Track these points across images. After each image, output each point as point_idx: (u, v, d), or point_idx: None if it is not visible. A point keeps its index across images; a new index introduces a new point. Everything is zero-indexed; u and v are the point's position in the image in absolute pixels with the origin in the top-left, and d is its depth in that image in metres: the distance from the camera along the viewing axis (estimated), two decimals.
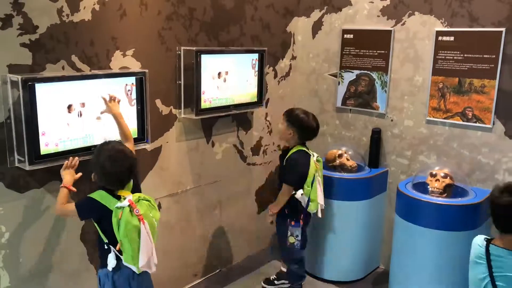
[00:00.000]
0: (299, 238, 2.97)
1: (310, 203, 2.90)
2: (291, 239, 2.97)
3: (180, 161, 3.05)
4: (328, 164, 3.40)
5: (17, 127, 2.12)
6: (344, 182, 3.26)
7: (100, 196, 2.10)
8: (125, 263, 2.09)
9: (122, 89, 2.50)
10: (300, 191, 2.88)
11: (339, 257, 3.37)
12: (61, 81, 2.22)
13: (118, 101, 2.41)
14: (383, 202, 3.49)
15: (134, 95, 2.56)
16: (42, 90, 2.13)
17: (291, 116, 2.91)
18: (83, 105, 2.32)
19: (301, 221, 2.94)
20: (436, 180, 2.93)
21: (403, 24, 3.26)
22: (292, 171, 2.89)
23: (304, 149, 2.92)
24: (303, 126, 2.88)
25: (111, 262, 2.12)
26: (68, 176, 2.22)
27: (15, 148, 2.15)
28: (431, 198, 2.84)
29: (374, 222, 3.43)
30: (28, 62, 2.19)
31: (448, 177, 2.94)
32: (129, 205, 2.04)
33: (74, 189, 2.21)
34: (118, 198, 2.09)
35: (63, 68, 2.32)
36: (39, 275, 2.39)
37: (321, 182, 2.96)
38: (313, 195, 2.90)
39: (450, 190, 2.94)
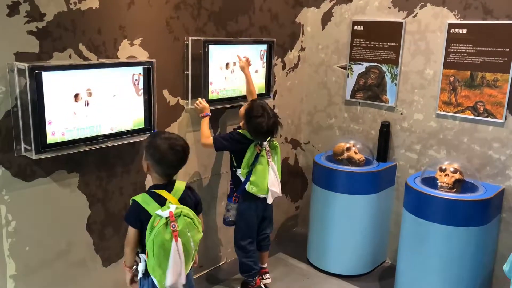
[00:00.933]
0: (230, 212, 2.95)
1: (251, 185, 2.84)
2: (224, 212, 2.99)
3: None
4: (336, 157, 3.37)
5: (23, 115, 2.11)
6: (352, 175, 3.24)
7: (142, 199, 2.02)
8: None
9: (130, 78, 2.48)
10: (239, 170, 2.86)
11: (345, 251, 3.35)
12: (68, 70, 2.20)
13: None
14: (391, 196, 3.46)
15: (141, 85, 2.54)
16: (49, 79, 2.11)
17: (247, 114, 2.79)
18: (90, 94, 2.30)
19: (233, 197, 2.92)
20: (445, 175, 2.89)
21: (415, 16, 3.20)
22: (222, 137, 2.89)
23: (247, 135, 2.82)
24: (254, 125, 2.76)
25: (141, 270, 2.07)
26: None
27: (21, 136, 2.14)
28: (440, 193, 2.80)
29: (382, 216, 3.40)
30: (35, 50, 2.17)
31: (458, 172, 2.90)
32: (167, 217, 1.93)
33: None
34: (163, 202, 2.01)
35: (70, 56, 2.30)
36: (45, 264, 2.39)
37: (277, 169, 2.88)
38: (255, 179, 2.82)
39: (460, 185, 2.90)
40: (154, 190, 2.05)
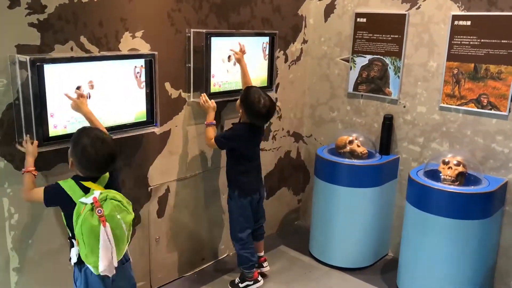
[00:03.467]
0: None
1: None
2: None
3: (189, 145, 3.03)
4: (338, 150, 3.36)
5: (25, 108, 2.10)
6: (355, 168, 3.23)
7: (68, 185, 1.99)
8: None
9: (131, 71, 2.47)
10: None
11: (348, 243, 3.35)
12: (69, 62, 2.19)
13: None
14: (393, 189, 3.45)
15: (143, 78, 2.53)
16: (50, 71, 2.10)
17: (245, 100, 2.81)
18: (91, 87, 2.29)
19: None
20: (448, 168, 2.88)
21: (418, 8, 3.18)
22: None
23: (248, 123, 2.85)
24: (253, 109, 2.78)
25: (73, 257, 2.04)
26: (30, 158, 2.10)
27: (23, 129, 2.13)
28: (443, 186, 2.80)
29: (384, 209, 3.39)
30: (37, 42, 2.16)
31: (461, 165, 2.89)
32: (92, 203, 1.90)
33: (35, 172, 2.11)
34: (88, 191, 1.97)
35: (71, 49, 2.29)
36: (48, 257, 2.40)
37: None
38: None
39: (463, 178, 2.89)
40: (81, 181, 2.01)
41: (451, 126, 3.14)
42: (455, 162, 2.90)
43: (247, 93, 2.80)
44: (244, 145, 2.87)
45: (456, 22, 3.01)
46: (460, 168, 2.88)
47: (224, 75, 3.00)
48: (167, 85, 2.79)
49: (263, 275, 3.21)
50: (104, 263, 1.92)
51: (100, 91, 2.33)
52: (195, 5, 2.82)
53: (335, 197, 3.28)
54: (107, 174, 2.08)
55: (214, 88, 2.95)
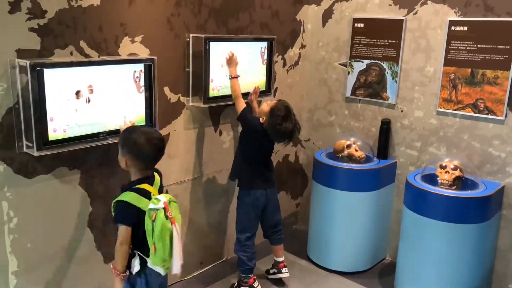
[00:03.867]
0: None
1: None
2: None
3: (188, 149, 3.04)
4: (336, 154, 3.38)
5: (25, 112, 2.11)
6: (352, 172, 3.24)
7: (130, 198, 2.01)
8: (151, 266, 2.05)
9: (131, 75, 2.48)
10: None
11: (345, 247, 3.36)
12: (69, 67, 2.20)
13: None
14: (391, 193, 3.46)
15: (142, 82, 2.54)
16: (50, 76, 2.11)
17: (272, 112, 2.79)
18: (91, 91, 2.30)
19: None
20: (445, 172, 2.90)
21: (415, 13, 3.20)
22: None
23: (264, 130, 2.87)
24: (274, 125, 2.79)
25: (136, 266, 2.07)
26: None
27: (23, 133, 2.14)
28: (440, 190, 2.81)
29: (382, 213, 3.41)
30: (37, 47, 2.17)
31: (458, 169, 2.91)
32: (163, 208, 1.99)
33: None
34: (148, 197, 2.02)
35: (71, 53, 2.30)
36: (47, 260, 2.40)
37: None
38: None
39: (460, 182, 2.91)
40: (138, 186, 2.05)
41: (448, 130, 3.16)
42: (452, 166, 2.92)
43: (274, 108, 2.78)
44: (254, 140, 2.87)
45: (453, 28, 3.03)
46: (457, 173, 2.90)
47: (222, 80, 3.01)
48: (166, 89, 2.80)
49: (282, 282, 3.19)
50: (178, 263, 2.04)
51: (99, 96, 2.34)
52: (194, 10, 2.84)
53: (333, 201, 3.29)
54: (159, 178, 2.15)
55: (212, 93, 2.97)
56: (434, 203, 2.80)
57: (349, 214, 3.29)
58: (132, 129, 2.15)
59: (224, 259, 3.51)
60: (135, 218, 2.01)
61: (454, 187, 2.86)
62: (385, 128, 3.39)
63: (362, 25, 3.47)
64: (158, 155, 2.11)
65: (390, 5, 3.31)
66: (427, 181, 2.92)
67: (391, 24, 3.31)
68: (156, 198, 2.01)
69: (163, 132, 2.84)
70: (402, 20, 3.25)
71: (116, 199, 2.04)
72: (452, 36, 3.04)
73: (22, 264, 2.30)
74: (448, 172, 2.89)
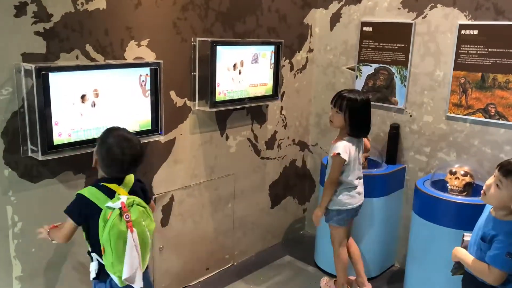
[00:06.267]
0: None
1: None
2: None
3: (194, 153, 3.02)
4: None
5: (30, 116, 2.11)
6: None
7: (89, 192, 1.93)
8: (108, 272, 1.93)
9: (137, 79, 2.47)
10: None
11: None
12: (75, 71, 2.19)
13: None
14: (400, 199, 3.41)
15: (148, 86, 2.52)
16: (55, 80, 2.10)
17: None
18: (96, 95, 2.29)
19: None
20: (455, 178, 2.85)
21: (425, 17, 3.16)
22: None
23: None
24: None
25: (92, 272, 1.99)
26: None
27: (28, 137, 2.14)
28: (450, 196, 2.76)
29: (390, 219, 3.36)
30: (42, 51, 2.17)
31: (468, 175, 2.86)
32: (120, 208, 1.86)
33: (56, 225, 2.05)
34: (112, 195, 1.91)
35: (77, 57, 2.30)
36: (51, 265, 2.39)
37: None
38: None
39: (470, 188, 2.85)
40: (103, 183, 1.95)
41: (458, 135, 3.11)
42: (462, 172, 2.86)
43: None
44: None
45: (463, 31, 2.99)
46: (468, 179, 2.84)
47: (229, 84, 2.99)
48: (172, 93, 2.79)
49: None
50: (128, 270, 1.89)
51: (105, 100, 2.33)
52: (201, 13, 2.83)
53: None
54: (132, 179, 2.04)
55: (219, 97, 2.95)
56: (443, 210, 2.75)
57: (357, 220, 3.24)
58: (112, 130, 2.01)
59: (230, 264, 3.47)
60: (84, 218, 1.93)
61: (464, 194, 2.80)
62: (394, 133, 3.34)
63: (370, 28, 3.43)
64: (128, 165, 1.96)
65: (399, 8, 3.27)
66: (437, 187, 2.87)
67: (400, 28, 3.27)
68: (117, 197, 1.90)
69: (169, 136, 2.82)
70: (411, 23, 3.21)
71: (78, 191, 1.97)
72: (462, 40, 2.99)
73: (26, 269, 2.29)
74: (458, 178, 2.84)
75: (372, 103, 3.47)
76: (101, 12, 2.35)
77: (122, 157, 1.93)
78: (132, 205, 1.91)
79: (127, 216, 1.87)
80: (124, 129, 2.04)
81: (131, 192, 2.00)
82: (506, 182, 1.96)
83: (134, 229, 1.88)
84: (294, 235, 4.02)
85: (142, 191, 2.09)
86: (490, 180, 2.04)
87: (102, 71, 2.31)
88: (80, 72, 2.21)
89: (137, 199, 1.96)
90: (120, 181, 1.99)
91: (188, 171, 3.01)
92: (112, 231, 1.85)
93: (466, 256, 2.10)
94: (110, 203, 1.88)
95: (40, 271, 2.35)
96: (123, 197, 1.91)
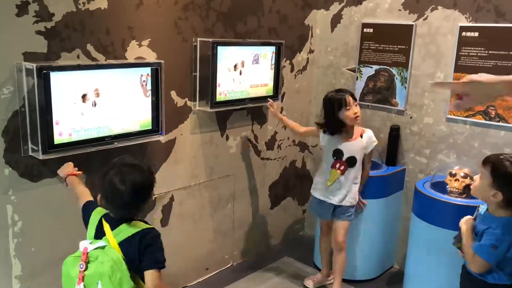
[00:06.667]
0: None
1: None
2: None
3: (194, 154, 3.02)
4: None
5: (31, 115, 2.11)
6: None
7: (98, 211, 1.80)
8: None
9: (137, 79, 2.47)
10: None
11: (353, 255, 3.31)
12: (76, 70, 2.19)
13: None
14: (399, 200, 3.41)
15: (149, 86, 2.52)
16: (56, 79, 2.10)
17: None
18: (97, 95, 2.29)
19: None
20: (455, 180, 2.85)
21: (426, 18, 3.17)
22: None
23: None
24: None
25: None
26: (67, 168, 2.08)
27: (29, 137, 2.13)
28: (449, 198, 2.76)
29: (390, 221, 3.36)
30: (43, 50, 2.17)
31: (468, 177, 2.85)
32: (82, 252, 1.63)
33: (78, 172, 2.08)
34: (103, 233, 1.70)
35: (78, 57, 2.30)
36: (51, 265, 2.38)
37: None
38: None
39: (470, 190, 2.86)
40: (104, 218, 1.76)
41: (458, 137, 3.11)
42: (462, 174, 2.86)
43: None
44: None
45: (463, 33, 2.99)
46: (467, 181, 2.84)
47: (230, 84, 2.99)
48: (173, 93, 2.79)
49: None
50: None
51: (106, 99, 2.33)
52: (202, 14, 2.83)
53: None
54: (131, 232, 1.70)
55: (220, 97, 2.95)
56: (443, 212, 2.75)
57: (357, 221, 3.24)
58: (116, 164, 1.74)
59: (229, 265, 3.47)
60: (86, 218, 1.83)
61: (464, 196, 2.81)
62: (394, 134, 3.34)
63: (371, 30, 3.44)
64: (131, 200, 1.68)
65: (399, 10, 3.28)
66: (437, 189, 2.87)
67: (401, 30, 3.27)
68: (94, 241, 1.68)
69: (169, 136, 2.82)
70: (412, 25, 3.21)
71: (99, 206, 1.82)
72: (462, 42, 3.00)
73: (26, 268, 2.29)
74: (458, 180, 2.84)
75: (372, 104, 3.50)
76: (102, 12, 2.34)
77: (118, 196, 1.66)
78: (96, 259, 1.64)
79: (81, 266, 1.63)
80: (127, 156, 1.85)
81: (122, 244, 1.69)
82: (483, 171, 2.04)
83: (82, 283, 1.62)
84: (294, 236, 4.02)
85: (139, 255, 1.72)
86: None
87: (103, 71, 2.31)
88: (81, 71, 2.21)
89: (107, 258, 1.63)
90: (117, 224, 1.73)
91: (188, 171, 3.01)
92: (64, 266, 1.69)
93: (467, 234, 2.14)
94: (83, 241, 1.70)
95: (40, 271, 2.35)
96: (93, 245, 1.65)
